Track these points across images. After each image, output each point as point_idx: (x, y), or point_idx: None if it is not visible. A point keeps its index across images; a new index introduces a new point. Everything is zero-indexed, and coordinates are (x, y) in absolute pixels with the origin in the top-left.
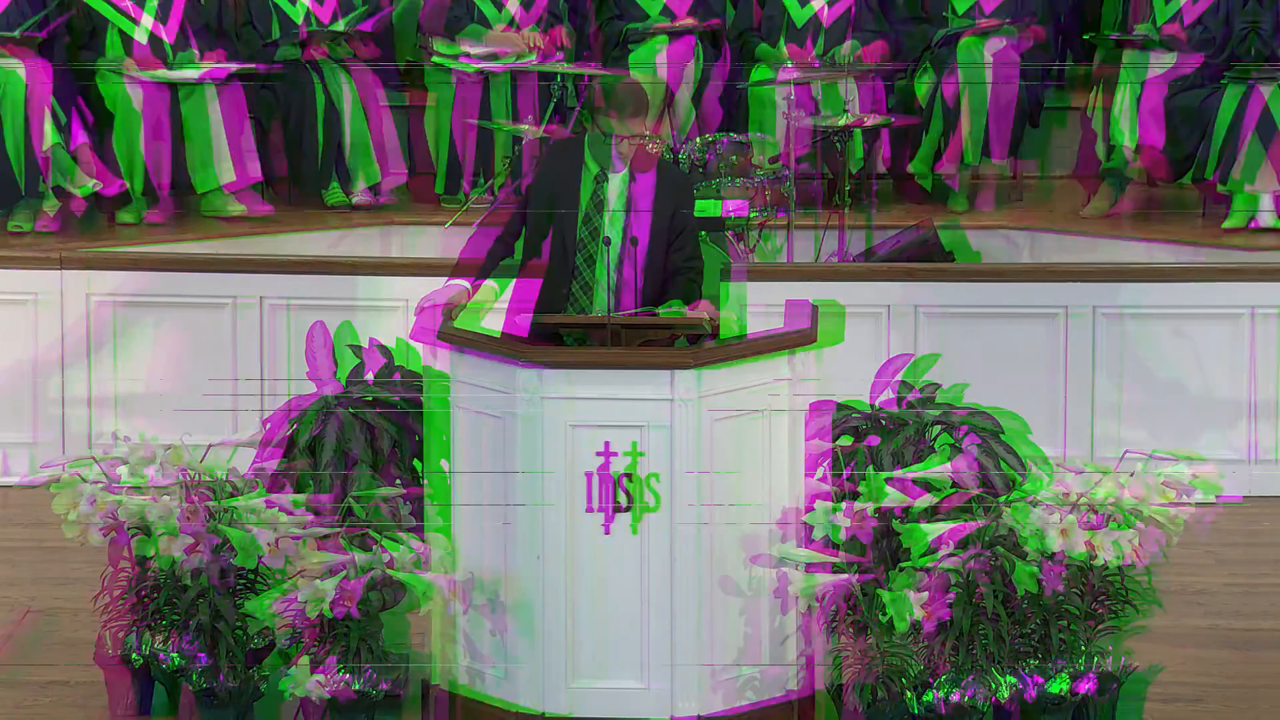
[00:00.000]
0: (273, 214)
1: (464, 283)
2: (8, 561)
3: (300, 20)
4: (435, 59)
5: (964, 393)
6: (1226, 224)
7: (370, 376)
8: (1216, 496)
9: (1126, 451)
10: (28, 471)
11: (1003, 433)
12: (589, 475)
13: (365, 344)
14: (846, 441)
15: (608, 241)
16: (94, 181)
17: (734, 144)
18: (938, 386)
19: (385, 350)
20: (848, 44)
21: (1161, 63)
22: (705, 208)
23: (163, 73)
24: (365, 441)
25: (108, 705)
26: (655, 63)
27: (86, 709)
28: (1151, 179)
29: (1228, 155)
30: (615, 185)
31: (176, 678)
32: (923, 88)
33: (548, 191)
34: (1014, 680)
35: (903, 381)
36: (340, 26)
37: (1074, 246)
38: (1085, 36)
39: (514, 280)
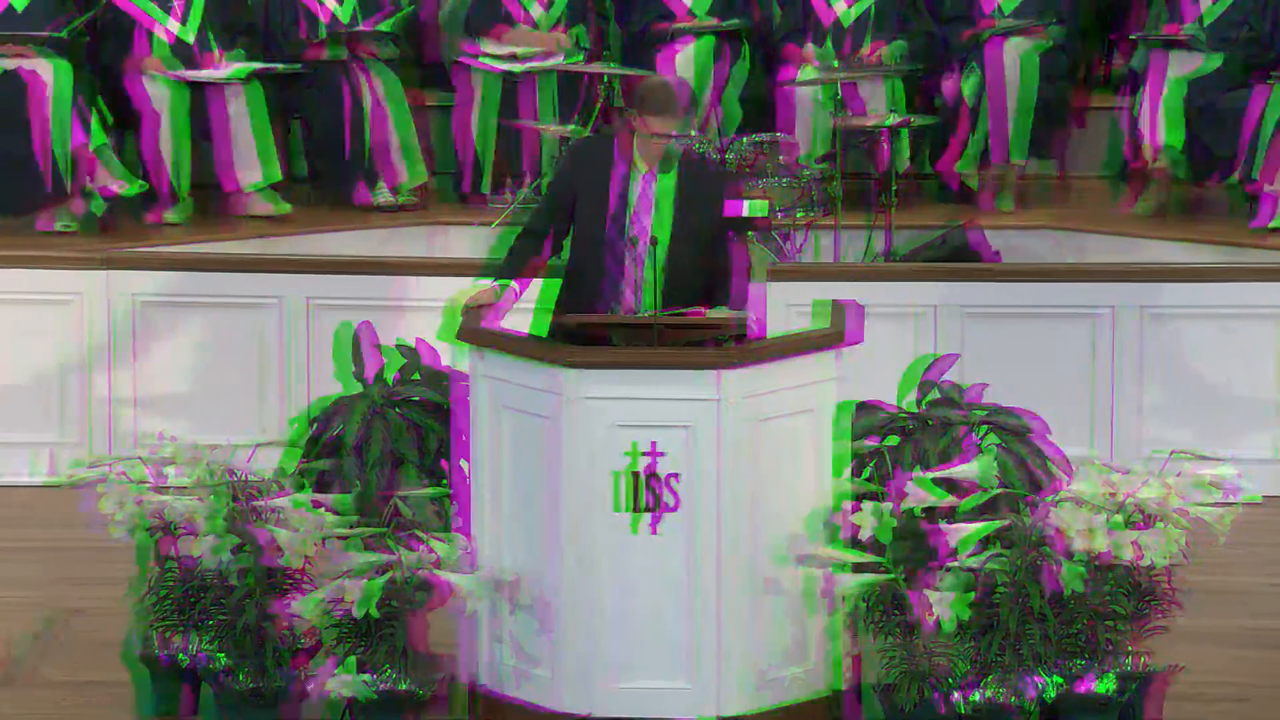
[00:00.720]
0: (297, 214)
1: (493, 282)
2: (44, 562)
3: (327, 20)
4: (461, 58)
5: (1004, 393)
6: (1256, 225)
7: (416, 376)
8: (1263, 496)
9: (1172, 451)
10: (68, 471)
11: (1050, 433)
12: (636, 475)
13: (410, 344)
14: (892, 442)
15: (654, 241)
16: (120, 183)
17: (781, 144)
18: (984, 386)
19: (431, 350)
20: (871, 44)
21: (1197, 63)
22: (754, 208)
23: (188, 72)
24: (413, 441)
25: (147, 705)
26: (680, 63)
27: (124, 709)
28: (1184, 179)
29: (1258, 156)
30: (640, 184)
31: (222, 678)
32: (964, 87)
33: (574, 190)
34: (1060, 680)
35: (949, 382)
36: (366, 26)
37: (1111, 247)
38: (1131, 37)
39: (546, 280)
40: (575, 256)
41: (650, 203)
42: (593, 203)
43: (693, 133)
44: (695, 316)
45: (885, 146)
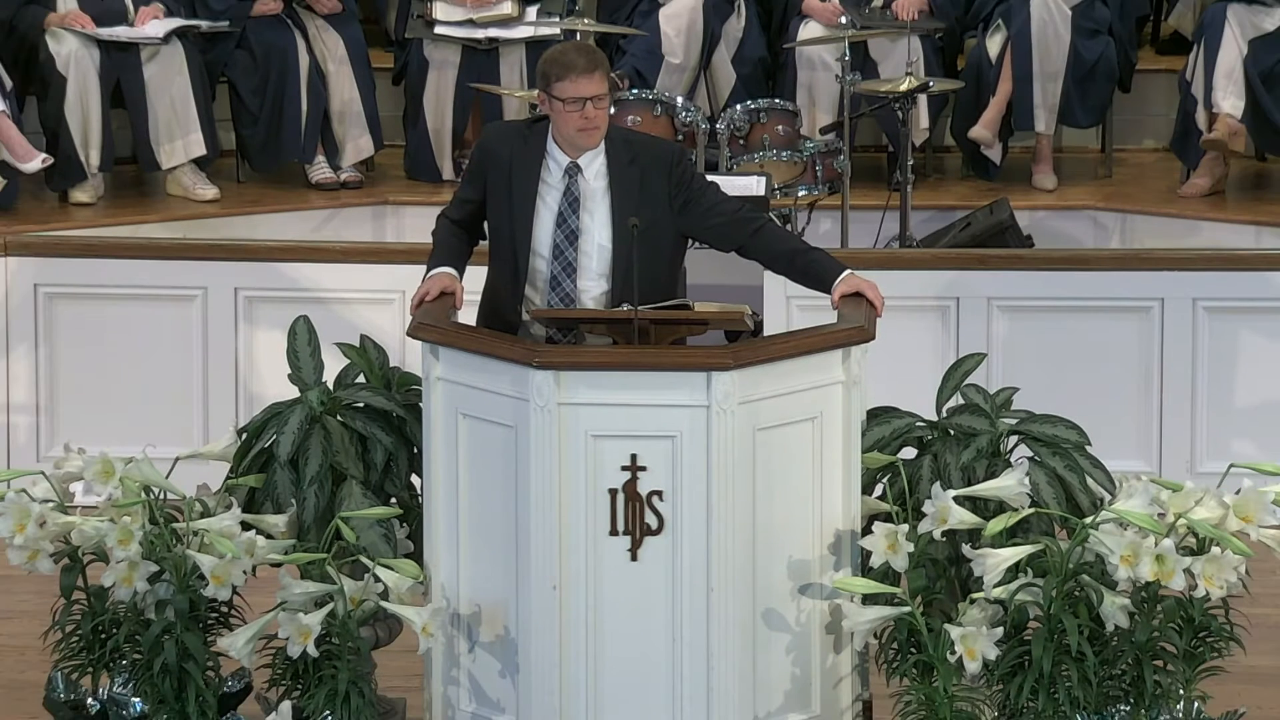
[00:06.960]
0: (225, 194)
1: (449, 269)
2: None
3: None
4: (420, 20)
5: (1038, 398)
6: None
7: (361, 378)
8: None
9: (1231, 465)
10: None
11: (1090, 445)
12: (613, 493)
13: (355, 341)
14: (910, 454)
15: (634, 225)
16: (22, 157)
17: (781, 111)
18: (1014, 391)
19: (379, 348)
20: None
21: (1262, 19)
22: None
23: (102, 30)
24: (356, 454)
25: None
26: (668, 18)
27: None
28: (1245, 153)
29: None
30: (565, 178)
31: None
32: (987, 47)
33: (503, 188)
34: None
35: (973, 385)
36: None
37: (1161, 230)
38: None
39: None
40: (504, 269)
41: (577, 198)
42: (529, 205)
43: (629, 94)
44: (684, 310)
45: (904, 115)
